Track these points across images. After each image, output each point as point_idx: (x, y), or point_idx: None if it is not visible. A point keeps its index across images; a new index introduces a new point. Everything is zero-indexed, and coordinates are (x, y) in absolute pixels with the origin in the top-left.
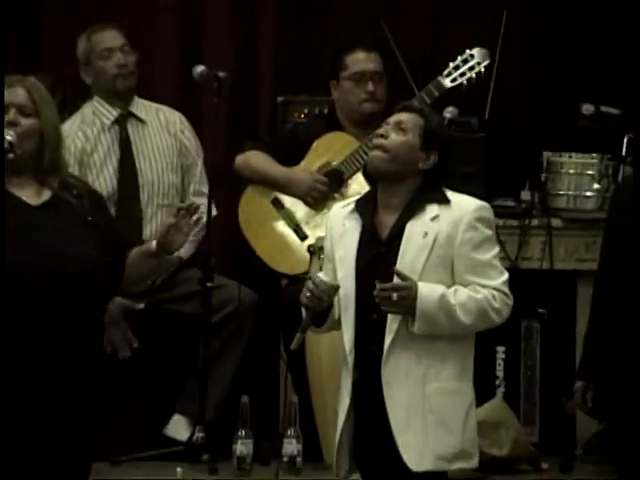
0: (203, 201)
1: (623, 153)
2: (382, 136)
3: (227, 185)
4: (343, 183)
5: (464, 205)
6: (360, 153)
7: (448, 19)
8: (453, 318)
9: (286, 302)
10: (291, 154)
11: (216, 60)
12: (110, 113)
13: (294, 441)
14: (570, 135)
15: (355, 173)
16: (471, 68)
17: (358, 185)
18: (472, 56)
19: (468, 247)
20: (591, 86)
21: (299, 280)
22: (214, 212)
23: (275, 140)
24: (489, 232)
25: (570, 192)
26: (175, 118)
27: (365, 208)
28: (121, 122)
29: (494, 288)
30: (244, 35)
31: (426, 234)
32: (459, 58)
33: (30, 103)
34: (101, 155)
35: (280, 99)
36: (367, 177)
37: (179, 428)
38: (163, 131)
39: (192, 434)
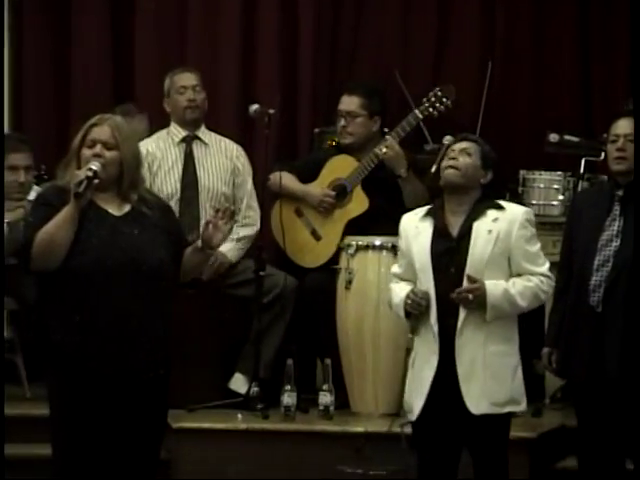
0: (252, 213)
1: (581, 171)
2: (454, 159)
3: (275, 197)
4: (347, 195)
5: (515, 210)
6: (359, 171)
7: (445, 67)
8: (514, 304)
9: (308, 287)
10: (310, 173)
11: (266, 100)
12: (180, 133)
13: (328, 394)
14: (540, 157)
15: (356, 186)
16: (440, 103)
17: (357, 196)
18: (440, 92)
19: (522, 241)
20: (557, 119)
21: (317, 270)
22: (257, 227)
23: (298, 163)
24: (534, 230)
25: (540, 201)
26: (233, 147)
27: (436, 213)
28: (188, 141)
29: (542, 274)
30: (288, 80)
31: (490, 231)
32: (430, 94)
33: (112, 139)
34: (169, 163)
35: (316, 130)
36: (434, 189)
37: (239, 384)
38: (222, 154)
39: (249, 388)
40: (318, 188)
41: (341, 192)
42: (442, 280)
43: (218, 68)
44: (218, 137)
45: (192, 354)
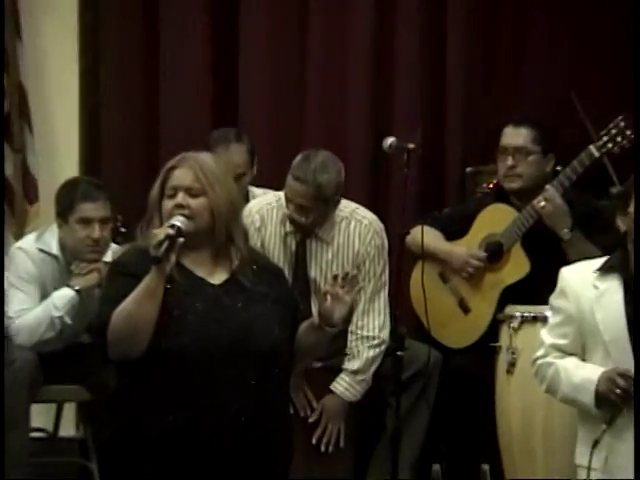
0: (378, 332)
1: None
2: None
3: (416, 257)
4: (503, 255)
5: None
6: (517, 226)
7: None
8: None
9: (455, 372)
10: (459, 227)
11: (405, 132)
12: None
13: None
14: None
15: (514, 244)
16: (623, 136)
17: (515, 257)
18: (623, 122)
19: None
20: None
21: (466, 351)
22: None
23: (445, 214)
24: None
25: None
26: (366, 235)
27: (621, 271)
28: (301, 236)
29: None
30: (432, 107)
31: None
32: (610, 125)
33: (197, 184)
34: (280, 251)
35: (469, 169)
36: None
37: None
38: (347, 250)
39: None
40: (463, 249)
41: (495, 252)
42: None
43: (345, 94)
44: (349, 218)
45: (313, 452)
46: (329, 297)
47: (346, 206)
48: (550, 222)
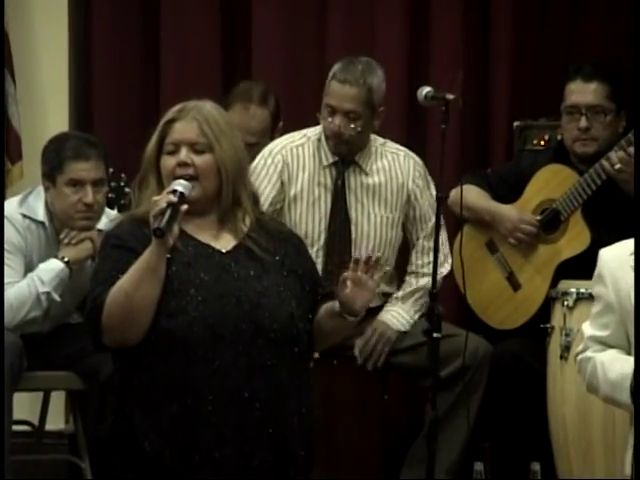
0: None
1: None
2: None
3: (459, 222)
4: (561, 224)
5: None
6: (577, 191)
7: None
8: None
9: (501, 358)
10: (510, 191)
11: (443, 83)
12: (331, 155)
13: None
14: None
15: (572, 213)
16: None
17: (574, 228)
18: None
19: None
20: None
21: (515, 334)
22: (447, 268)
23: (494, 174)
24: None
25: None
26: (409, 167)
27: None
28: (339, 168)
29: None
30: (475, 55)
31: None
32: None
33: (202, 138)
34: (314, 193)
35: (517, 124)
36: None
37: None
38: (389, 183)
39: None
40: (513, 211)
41: (552, 221)
42: None
43: (375, 36)
44: (386, 151)
45: (338, 452)
46: (349, 283)
47: (374, 139)
48: (627, 187)
